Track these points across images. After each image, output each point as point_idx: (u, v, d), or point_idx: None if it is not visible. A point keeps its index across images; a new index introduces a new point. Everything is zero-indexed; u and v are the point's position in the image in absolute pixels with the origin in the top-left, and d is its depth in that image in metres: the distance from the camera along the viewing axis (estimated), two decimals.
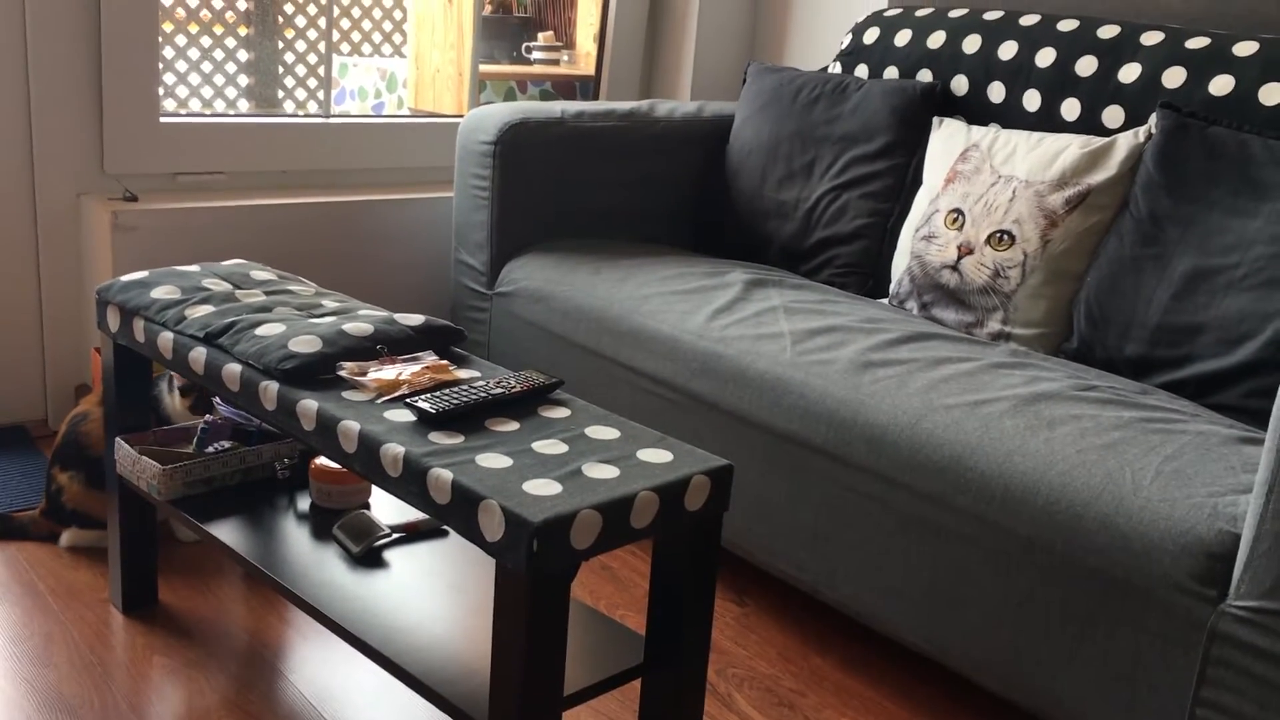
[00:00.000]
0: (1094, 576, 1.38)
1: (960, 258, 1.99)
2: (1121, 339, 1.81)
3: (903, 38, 2.34)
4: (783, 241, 2.32)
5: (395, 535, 1.52)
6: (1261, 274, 1.67)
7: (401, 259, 2.55)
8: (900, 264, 2.11)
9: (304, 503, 1.60)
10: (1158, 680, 1.34)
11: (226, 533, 1.50)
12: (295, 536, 1.51)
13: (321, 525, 1.54)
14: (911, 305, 2.08)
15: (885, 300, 2.15)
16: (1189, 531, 1.30)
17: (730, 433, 1.80)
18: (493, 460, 1.18)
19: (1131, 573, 1.34)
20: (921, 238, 2.06)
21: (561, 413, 1.33)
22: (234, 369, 1.40)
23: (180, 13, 3.57)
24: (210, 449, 1.66)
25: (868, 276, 2.22)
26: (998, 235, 1.95)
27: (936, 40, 2.28)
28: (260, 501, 1.60)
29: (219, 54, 3.67)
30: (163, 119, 2.32)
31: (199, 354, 1.45)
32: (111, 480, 1.68)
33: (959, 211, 2.01)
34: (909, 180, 2.22)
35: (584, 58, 3.79)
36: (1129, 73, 1.99)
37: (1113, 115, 2.01)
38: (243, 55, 3.73)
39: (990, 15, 2.24)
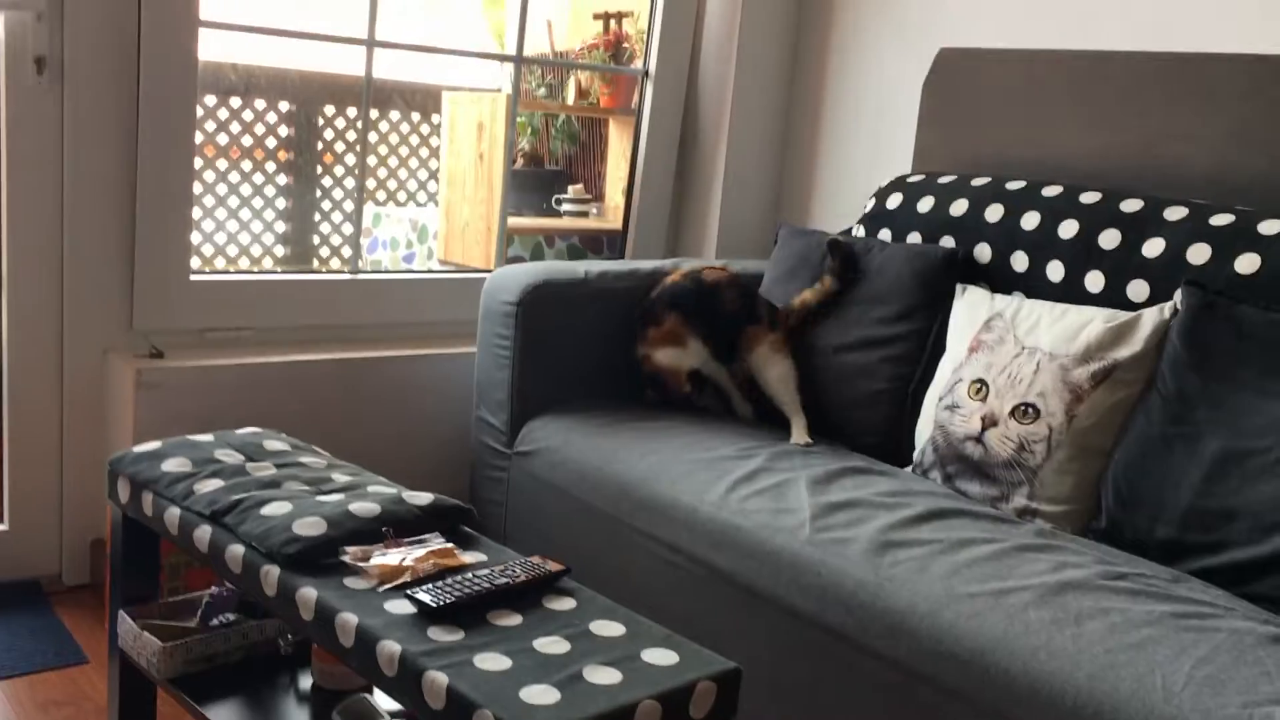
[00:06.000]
0: None
1: (984, 429, 1.95)
2: (1152, 521, 1.76)
3: (925, 204, 2.35)
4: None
5: None
6: None
7: (426, 413, 2.55)
8: (924, 432, 2.07)
9: (305, 681, 1.56)
10: None
11: (224, 717, 1.46)
12: None
13: (322, 709, 1.50)
14: (935, 475, 2.03)
15: (909, 469, 2.11)
16: None
17: (747, 609, 1.75)
18: (491, 661, 1.14)
19: None
20: (945, 407, 2.03)
21: (567, 604, 1.30)
22: (237, 551, 1.38)
23: (221, 164, 3.67)
24: (215, 621, 1.63)
25: (889, 440, 2.19)
26: (1022, 408, 1.92)
27: (959, 208, 2.29)
28: (261, 680, 1.56)
29: (258, 202, 3.76)
30: (193, 276, 2.36)
31: (203, 533, 1.43)
32: (114, 654, 1.65)
33: (983, 382, 1.98)
34: (930, 345, 2.20)
35: (613, 210, 3.85)
36: (1153, 247, 1.98)
37: (1137, 289, 1.99)
38: (281, 203, 3.82)
39: (1013, 185, 2.25)
